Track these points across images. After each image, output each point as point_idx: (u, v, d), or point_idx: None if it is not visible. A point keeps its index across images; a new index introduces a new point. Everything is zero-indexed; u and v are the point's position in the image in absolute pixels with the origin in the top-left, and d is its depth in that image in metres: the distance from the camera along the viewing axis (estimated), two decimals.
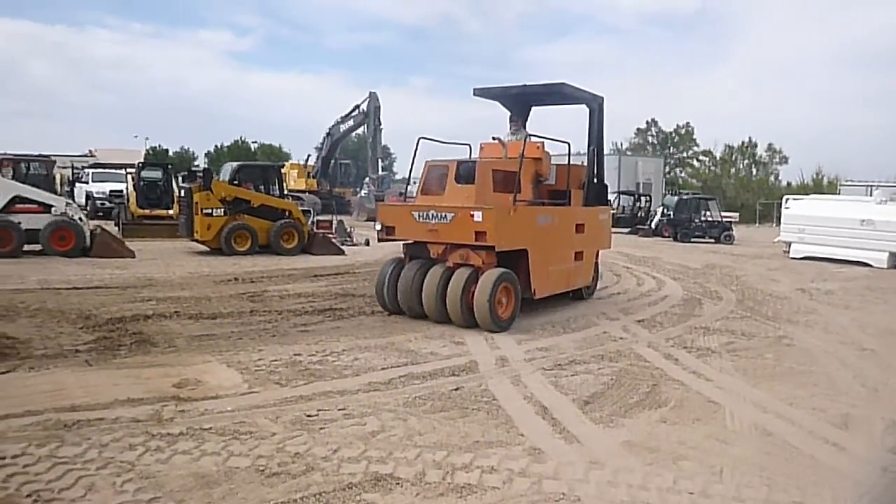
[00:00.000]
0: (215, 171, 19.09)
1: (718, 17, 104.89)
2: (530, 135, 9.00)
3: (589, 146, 10.05)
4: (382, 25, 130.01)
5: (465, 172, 8.30)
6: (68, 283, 10.22)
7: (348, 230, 19.85)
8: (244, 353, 6.43)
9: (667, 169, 53.80)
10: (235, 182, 16.40)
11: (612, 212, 10.85)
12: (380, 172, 32.07)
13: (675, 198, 27.61)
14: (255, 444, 4.24)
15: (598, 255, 10.55)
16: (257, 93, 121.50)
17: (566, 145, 9.05)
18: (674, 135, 63.33)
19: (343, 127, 34.31)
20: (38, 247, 13.28)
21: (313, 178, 36.03)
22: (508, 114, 10.09)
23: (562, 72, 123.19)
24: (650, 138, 64.41)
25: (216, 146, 66.12)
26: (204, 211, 14.83)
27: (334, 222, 20.13)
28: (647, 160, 41.67)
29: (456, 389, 5.58)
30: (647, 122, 64.29)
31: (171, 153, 63.45)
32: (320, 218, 20.79)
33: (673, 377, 6.17)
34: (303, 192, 31.91)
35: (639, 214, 29.52)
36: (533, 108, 10.41)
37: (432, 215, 8.10)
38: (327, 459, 4.06)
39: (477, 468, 4.02)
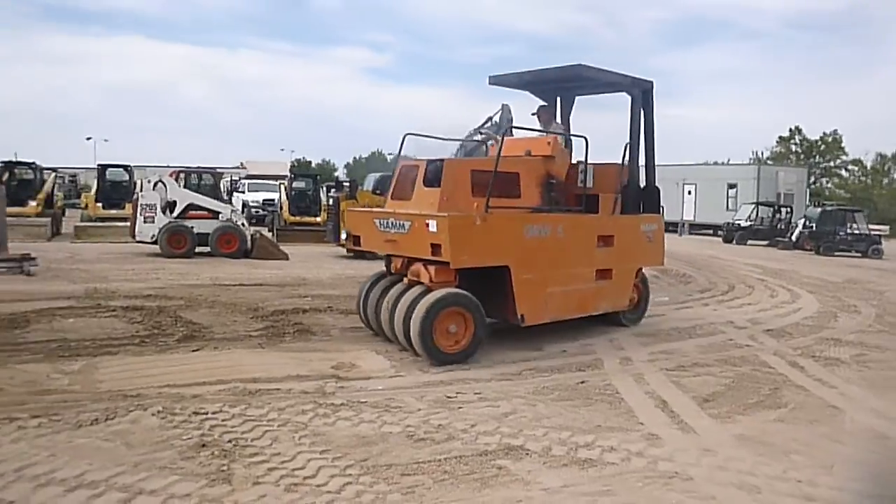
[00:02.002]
0: (358, 181, 20.50)
1: (869, 18, 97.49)
2: (518, 128, 8.06)
3: (630, 141, 8.38)
4: (513, 38, 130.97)
5: (432, 173, 6.96)
6: (235, 280, 11.55)
7: None
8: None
9: (811, 179, 50.93)
10: (378, 191, 17.59)
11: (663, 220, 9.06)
12: None
13: (819, 209, 26.34)
14: (403, 416, 4.93)
15: (638, 272, 8.78)
16: (392, 106, 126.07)
17: (583, 140, 7.81)
18: (819, 143, 59.70)
19: (476, 138, 35.19)
20: (206, 249, 14.96)
21: None
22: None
23: (699, 79, 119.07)
24: (793, 147, 61.11)
25: (354, 158, 69.71)
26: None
27: None
28: (789, 170, 39.77)
29: (581, 383, 6.05)
30: (791, 130, 61.05)
31: (313, 164, 67.35)
32: None
33: (796, 383, 6.32)
34: None
35: (778, 226, 28.40)
36: (575, 99, 9.24)
37: (391, 224, 7.01)
38: (465, 432, 4.68)
39: (598, 447, 4.50)
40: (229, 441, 4.30)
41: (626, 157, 8.33)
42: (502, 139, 7.55)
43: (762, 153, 61.31)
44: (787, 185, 35.02)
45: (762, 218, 29.46)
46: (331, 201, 17.74)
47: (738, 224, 28.85)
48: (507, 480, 3.94)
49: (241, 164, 63.12)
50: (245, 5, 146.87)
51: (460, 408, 5.20)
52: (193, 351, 6.61)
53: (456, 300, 6.57)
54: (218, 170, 25.62)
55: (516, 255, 6.91)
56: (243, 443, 4.30)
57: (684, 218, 35.52)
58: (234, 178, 33.40)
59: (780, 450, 4.60)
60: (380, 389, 5.60)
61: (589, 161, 7.85)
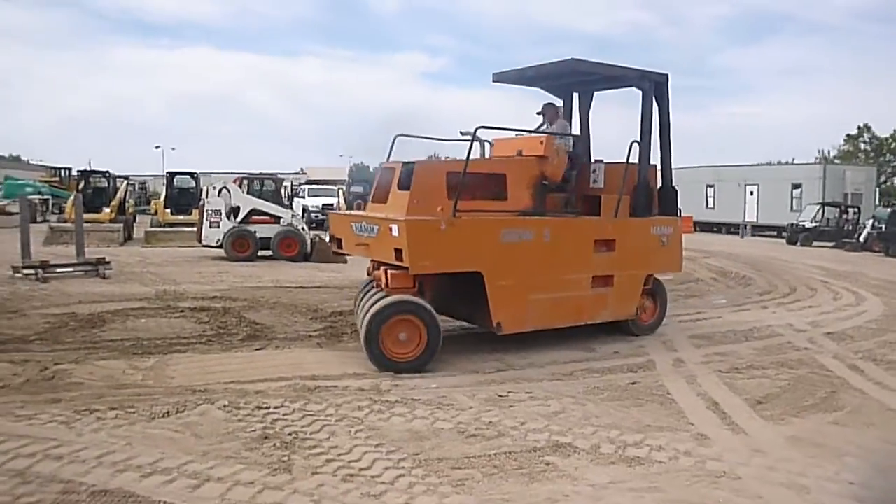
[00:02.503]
0: None
1: None
2: (519, 130, 7.75)
3: (640, 139, 7.90)
4: (569, 38, 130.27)
5: (405, 176, 6.75)
6: (295, 282, 11.93)
7: None
8: (445, 345, 7.36)
9: (881, 178, 48.99)
10: None
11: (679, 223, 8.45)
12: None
13: (888, 209, 25.37)
14: (455, 413, 5.09)
15: (648, 279, 8.12)
16: (449, 110, 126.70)
17: (569, 138, 7.58)
18: (890, 141, 57.35)
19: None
20: (268, 252, 15.44)
21: None
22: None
23: (762, 76, 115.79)
24: (861, 145, 58.88)
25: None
26: None
27: None
28: (857, 169, 38.33)
29: (632, 384, 6.10)
30: (859, 128, 58.82)
31: (371, 169, 68.24)
32: None
33: (854, 386, 6.23)
34: None
35: (845, 227, 27.45)
36: (593, 96, 8.86)
37: (364, 227, 6.98)
38: (515, 429, 4.81)
39: (646, 446, 4.57)
40: (290, 434, 4.54)
41: (638, 156, 7.88)
42: (472, 143, 6.93)
43: (829, 152, 59.45)
44: (855, 184, 33.79)
45: (828, 219, 28.53)
46: None
47: (803, 225, 28.01)
48: (555, 476, 4.06)
49: (302, 169, 64.50)
50: (307, 14, 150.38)
51: (511, 406, 5.33)
52: (256, 350, 6.92)
53: (406, 308, 6.36)
54: (279, 175, 26.40)
55: (490, 260, 6.65)
56: (303, 436, 4.53)
57: (746, 219, 34.69)
58: (294, 183, 34.30)
59: (833, 452, 4.58)
60: (433, 388, 5.77)
61: (604, 161, 7.75)
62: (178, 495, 3.60)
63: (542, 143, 7.43)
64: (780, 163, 46.38)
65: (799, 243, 26.99)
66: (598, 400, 5.58)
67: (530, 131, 7.83)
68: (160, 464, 3.98)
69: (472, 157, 6.98)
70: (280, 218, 15.78)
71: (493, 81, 8.54)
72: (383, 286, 6.58)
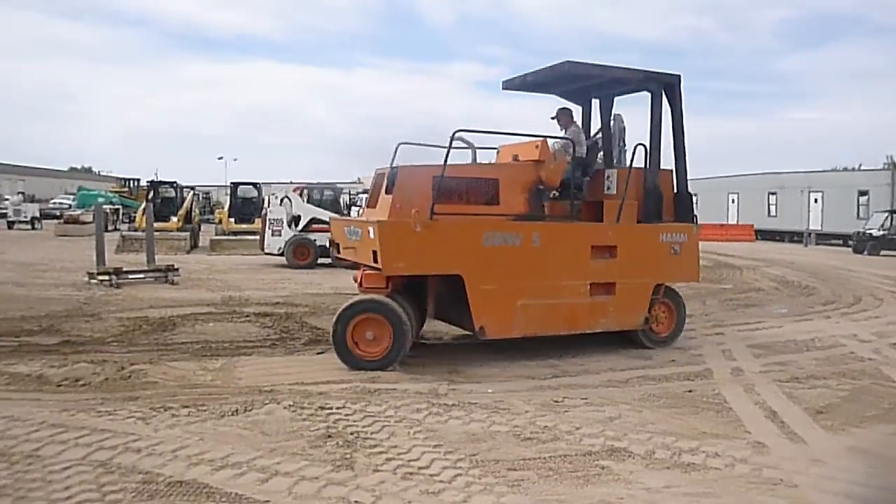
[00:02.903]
0: None
1: None
2: (503, 134, 7.62)
3: (650, 142, 7.74)
4: (626, 45, 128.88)
5: (390, 181, 6.85)
6: (354, 290, 12.14)
7: None
8: (500, 352, 7.47)
9: None
10: None
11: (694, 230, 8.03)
12: None
13: None
14: (511, 417, 5.20)
15: (658, 289, 7.75)
16: (505, 119, 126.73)
17: (569, 143, 7.57)
18: None
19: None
20: (328, 260, 15.80)
21: None
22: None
23: (826, 80, 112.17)
24: None
25: None
26: None
27: None
28: None
29: (689, 392, 6.10)
30: None
31: None
32: None
33: None
34: None
35: None
36: (614, 101, 8.76)
37: (352, 231, 7.23)
38: (570, 433, 4.89)
39: (702, 452, 4.58)
40: (352, 433, 4.72)
41: (645, 160, 7.69)
42: (448, 148, 6.87)
43: None
44: None
45: None
46: None
47: (870, 233, 27.09)
48: (610, 479, 4.12)
49: (359, 179, 65.59)
50: (363, 27, 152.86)
51: (566, 411, 5.41)
52: (318, 353, 7.17)
53: (371, 307, 6.51)
54: (338, 185, 26.91)
55: (471, 263, 6.65)
56: (364, 435, 4.70)
57: (810, 228, 33.74)
58: (351, 192, 34.93)
59: None
60: (489, 392, 5.89)
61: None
62: (248, 488, 3.81)
63: (536, 147, 7.36)
64: (845, 169, 44.91)
65: (866, 252, 26.12)
66: (654, 407, 5.61)
67: (514, 134, 7.67)
68: (230, 458, 4.20)
69: (467, 162, 7.36)
70: None
71: (503, 89, 8.53)
72: (358, 286, 6.81)
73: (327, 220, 16.15)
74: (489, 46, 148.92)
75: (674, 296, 8.11)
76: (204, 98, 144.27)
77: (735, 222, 39.92)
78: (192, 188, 28.28)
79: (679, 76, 7.97)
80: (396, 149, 7.18)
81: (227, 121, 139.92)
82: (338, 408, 5.25)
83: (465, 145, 7.50)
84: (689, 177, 8.10)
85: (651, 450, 4.61)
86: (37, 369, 6.15)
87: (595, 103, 8.84)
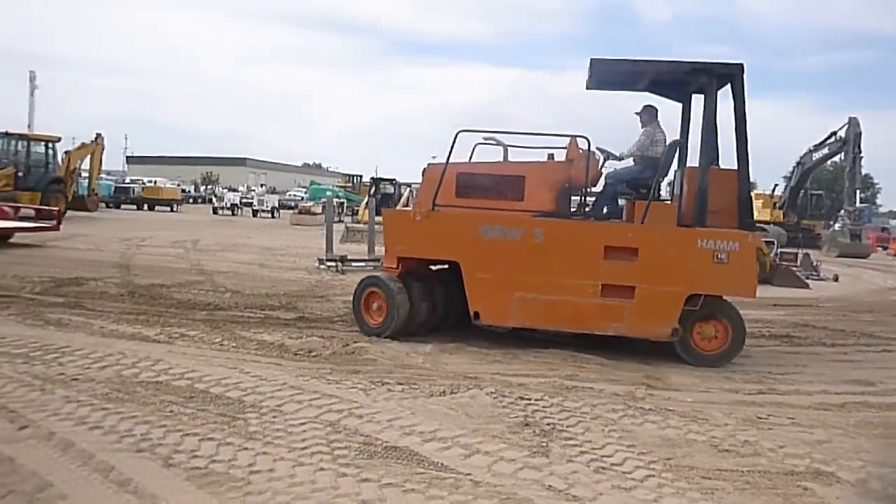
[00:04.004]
0: None
1: None
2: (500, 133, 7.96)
3: (702, 140, 7.36)
4: (868, 41, 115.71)
5: (424, 175, 7.85)
6: None
7: (814, 264, 19.01)
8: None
9: None
10: None
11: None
12: (857, 205, 29.36)
13: None
14: (710, 428, 5.14)
15: (695, 299, 7.02)
16: (722, 122, 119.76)
17: (585, 140, 7.31)
18: None
19: (816, 155, 32.33)
20: None
21: (779, 209, 34.68)
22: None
23: None
24: None
25: None
26: None
27: (800, 255, 19.46)
28: None
29: None
30: None
31: None
32: (784, 250, 20.27)
33: None
34: (767, 222, 31.04)
35: None
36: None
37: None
38: (773, 451, 4.74)
39: None
40: (548, 424, 4.97)
41: (700, 159, 7.32)
42: (452, 145, 7.48)
43: None
44: None
45: None
46: None
47: None
48: (812, 501, 3.98)
49: None
50: (573, 28, 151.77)
51: (770, 429, 5.23)
52: (519, 348, 7.49)
53: (373, 283, 7.57)
54: None
55: (468, 252, 7.24)
56: (560, 427, 4.93)
57: None
58: None
59: None
60: (688, 401, 5.84)
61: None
62: (452, 460, 4.21)
63: (566, 147, 7.46)
64: None
65: None
66: (872, 435, 5.23)
67: (516, 134, 8.09)
68: (438, 433, 4.64)
69: (496, 160, 7.91)
70: None
71: (587, 89, 8.54)
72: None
73: None
74: (710, 46, 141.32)
75: (727, 310, 7.32)
76: (418, 99, 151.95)
77: None
78: (409, 185, 30.12)
79: (741, 65, 7.26)
80: (455, 137, 7.52)
81: (439, 121, 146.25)
82: (536, 399, 5.53)
83: (494, 143, 7.98)
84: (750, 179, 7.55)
85: (863, 479, 4.36)
86: (278, 339, 7.10)
87: (699, 100, 7.99)
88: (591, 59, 7.62)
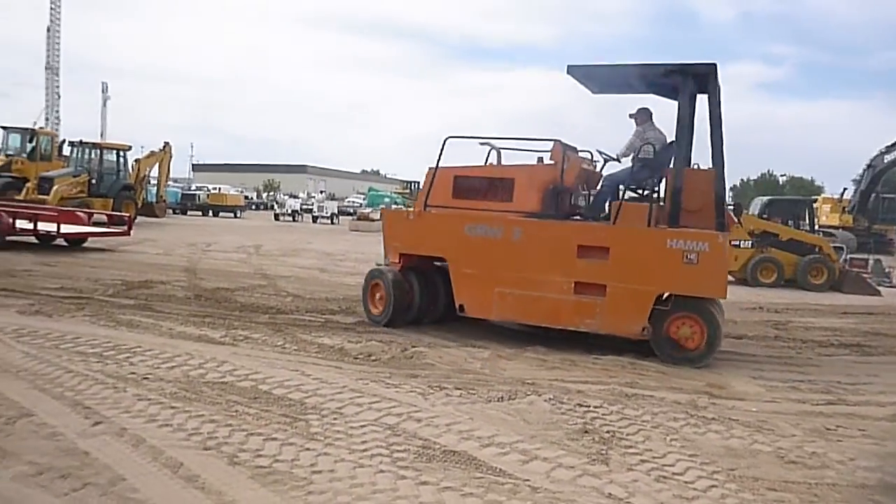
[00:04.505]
0: (744, 204, 19.82)
1: None
2: (490, 138, 8.34)
3: (676, 138, 7.53)
4: None
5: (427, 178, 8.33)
6: None
7: (887, 270, 18.29)
8: (766, 370, 7.15)
9: None
10: (765, 216, 16.86)
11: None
12: None
13: None
14: (775, 439, 5.01)
15: (666, 299, 7.17)
16: (787, 123, 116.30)
17: (588, 154, 8.29)
18: None
19: (888, 157, 31.08)
20: None
21: (849, 213, 33.41)
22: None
23: None
24: None
25: (742, 179, 66.18)
26: (732, 242, 15.72)
27: (871, 261, 18.75)
28: None
29: None
30: None
31: None
32: (854, 256, 19.57)
33: None
34: (836, 227, 30.02)
35: None
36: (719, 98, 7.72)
37: None
38: (842, 463, 4.59)
39: None
40: (607, 432, 4.93)
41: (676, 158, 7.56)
42: (441, 152, 8.06)
43: None
44: None
45: None
46: None
47: None
48: None
49: None
50: (634, 30, 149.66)
51: (839, 441, 5.07)
52: (577, 354, 7.43)
53: (375, 275, 8.32)
54: None
55: (454, 249, 7.86)
56: (619, 435, 4.88)
57: None
58: None
59: None
60: (753, 411, 5.70)
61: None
62: (510, 466, 4.21)
63: (549, 150, 7.80)
64: None
65: None
66: None
67: (503, 139, 8.47)
68: (496, 438, 4.65)
69: (489, 163, 8.39)
70: None
71: (594, 93, 8.78)
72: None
73: None
74: (773, 45, 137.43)
75: (702, 310, 7.16)
76: (477, 104, 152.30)
77: None
78: None
79: (714, 65, 7.23)
80: (444, 143, 8.07)
81: (498, 126, 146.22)
82: (595, 406, 5.48)
83: (489, 147, 8.48)
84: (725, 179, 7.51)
85: None
86: (338, 343, 7.22)
87: (702, 100, 7.83)
88: (568, 66, 7.84)
